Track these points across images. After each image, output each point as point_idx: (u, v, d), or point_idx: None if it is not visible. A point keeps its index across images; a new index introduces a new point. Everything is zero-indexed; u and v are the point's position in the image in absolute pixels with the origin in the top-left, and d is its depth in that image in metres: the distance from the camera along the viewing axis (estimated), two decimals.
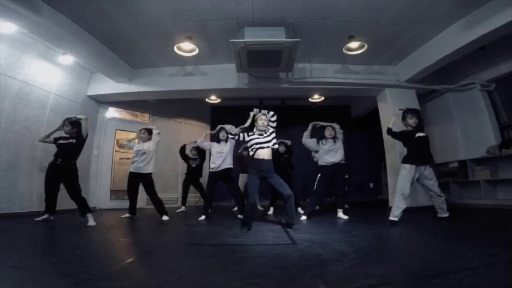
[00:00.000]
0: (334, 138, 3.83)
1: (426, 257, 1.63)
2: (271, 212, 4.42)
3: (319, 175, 3.92)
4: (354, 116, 7.69)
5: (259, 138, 2.91)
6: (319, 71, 4.91)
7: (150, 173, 4.04)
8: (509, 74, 4.58)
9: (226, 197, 5.91)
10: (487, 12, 3.33)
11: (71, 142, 3.36)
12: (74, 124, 3.44)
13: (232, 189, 4.11)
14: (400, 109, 3.50)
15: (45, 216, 3.34)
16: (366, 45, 4.21)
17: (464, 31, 3.64)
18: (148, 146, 4.07)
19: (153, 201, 3.97)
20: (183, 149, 5.24)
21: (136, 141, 4.42)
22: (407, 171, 3.08)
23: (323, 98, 6.43)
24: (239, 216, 3.75)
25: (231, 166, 3.94)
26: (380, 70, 5.09)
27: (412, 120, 3.27)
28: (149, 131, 4.19)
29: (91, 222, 3.17)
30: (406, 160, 3.14)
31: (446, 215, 3.17)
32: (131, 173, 4.02)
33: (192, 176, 5.23)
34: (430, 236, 2.47)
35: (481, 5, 3.36)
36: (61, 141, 3.38)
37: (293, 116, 6.61)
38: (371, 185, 7.45)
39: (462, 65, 4.88)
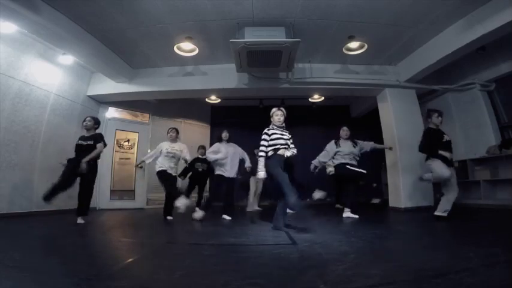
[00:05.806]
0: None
1: (426, 257, 1.63)
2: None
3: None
4: (354, 116, 7.67)
5: (282, 136, 2.75)
6: (319, 71, 4.91)
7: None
8: (509, 74, 4.58)
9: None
10: (487, 12, 3.33)
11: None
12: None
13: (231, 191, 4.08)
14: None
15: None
16: (366, 45, 4.21)
17: (464, 31, 3.64)
18: (177, 149, 3.96)
19: (170, 201, 3.92)
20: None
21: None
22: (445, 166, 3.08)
23: (323, 98, 6.43)
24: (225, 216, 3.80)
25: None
26: (380, 70, 5.09)
27: (438, 119, 3.28)
28: (177, 131, 4.09)
29: (80, 220, 3.25)
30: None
31: (445, 214, 3.18)
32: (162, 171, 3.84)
33: (200, 177, 4.92)
34: (430, 236, 2.47)
35: (481, 5, 3.37)
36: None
37: (293, 116, 6.58)
38: (374, 184, 7.42)
39: (462, 65, 4.87)
